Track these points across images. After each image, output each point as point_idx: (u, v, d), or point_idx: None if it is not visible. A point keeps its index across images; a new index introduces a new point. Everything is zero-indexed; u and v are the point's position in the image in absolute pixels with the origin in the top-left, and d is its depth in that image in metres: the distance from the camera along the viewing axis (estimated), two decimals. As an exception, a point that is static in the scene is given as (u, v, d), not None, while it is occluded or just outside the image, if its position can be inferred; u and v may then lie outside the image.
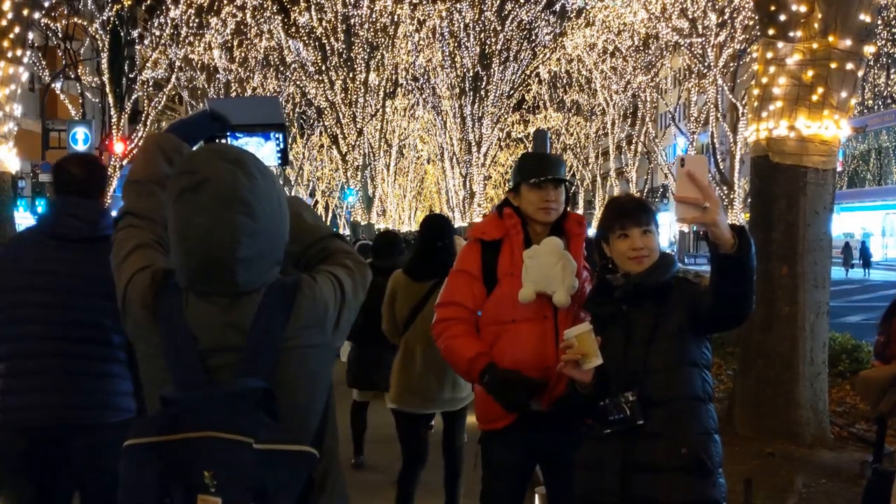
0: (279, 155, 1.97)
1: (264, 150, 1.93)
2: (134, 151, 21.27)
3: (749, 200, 10.31)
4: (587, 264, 2.87)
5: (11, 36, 7.77)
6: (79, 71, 22.58)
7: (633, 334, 2.33)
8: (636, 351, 2.31)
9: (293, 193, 39.99)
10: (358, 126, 33.42)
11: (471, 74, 35.94)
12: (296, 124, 38.82)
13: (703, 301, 2.23)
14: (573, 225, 2.90)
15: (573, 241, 2.84)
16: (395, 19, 32.97)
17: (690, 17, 21.08)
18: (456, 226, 38.05)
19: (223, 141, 1.89)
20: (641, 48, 31.24)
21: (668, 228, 44.75)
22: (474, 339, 2.78)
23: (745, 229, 2.07)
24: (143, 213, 1.67)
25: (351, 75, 32.80)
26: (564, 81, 40.86)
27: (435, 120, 40.51)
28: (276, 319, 1.50)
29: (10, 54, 7.78)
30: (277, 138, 1.96)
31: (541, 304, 2.70)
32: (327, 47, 32.50)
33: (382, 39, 32.96)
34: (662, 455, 2.22)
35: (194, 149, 1.77)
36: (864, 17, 6.03)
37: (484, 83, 36.00)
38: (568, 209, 2.95)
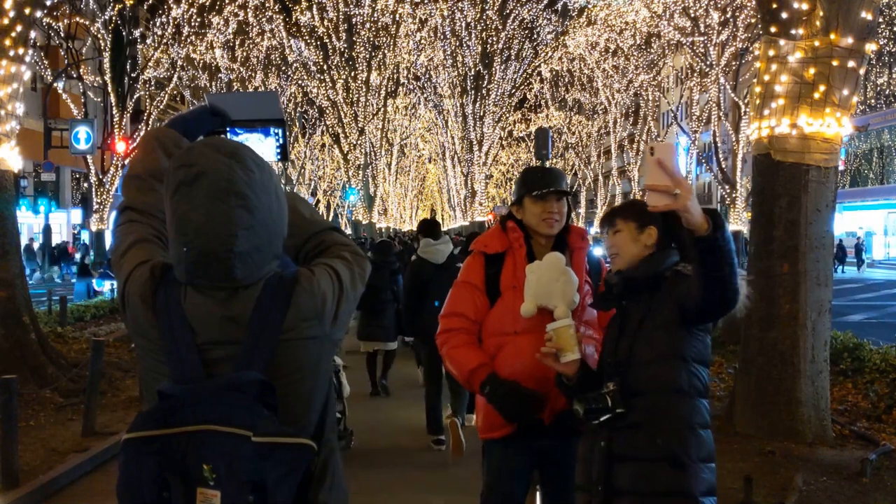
0: (279, 151, 1.97)
1: (264, 147, 1.93)
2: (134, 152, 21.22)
3: (751, 199, 10.32)
4: (588, 278, 2.92)
5: (13, 34, 7.77)
6: (81, 70, 22.58)
7: (626, 327, 2.39)
8: (625, 342, 2.36)
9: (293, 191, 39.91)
10: (359, 125, 33.42)
11: (472, 73, 35.91)
12: (297, 123, 38.81)
13: (690, 294, 2.25)
14: (576, 238, 2.94)
15: (576, 255, 2.89)
16: (397, 18, 32.96)
17: (692, 15, 21.06)
18: (457, 224, 38.03)
19: (223, 136, 1.88)
20: (643, 47, 31.23)
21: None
22: (476, 349, 2.84)
23: (717, 212, 2.10)
24: (143, 207, 1.66)
25: (352, 74, 32.79)
26: (566, 80, 40.85)
27: (436, 119, 40.51)
28: (274, 312, 1.49)
29: (11, 53, 7.79)
30: (277, 134, 1.96)
31: (542, 317, 2.72)
32: (329, 46, 32.50)
33: (384, 38, 32.95)
34: (643, 446, 2.27)
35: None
36: (866, 15, 6.02)
37: (485, 82, 35.97)
38: (570, 222, 2.99)
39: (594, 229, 50.19)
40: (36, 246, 29.54)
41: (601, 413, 2.30)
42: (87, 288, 18.84)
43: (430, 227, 6.79)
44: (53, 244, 30.77)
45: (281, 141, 1.97)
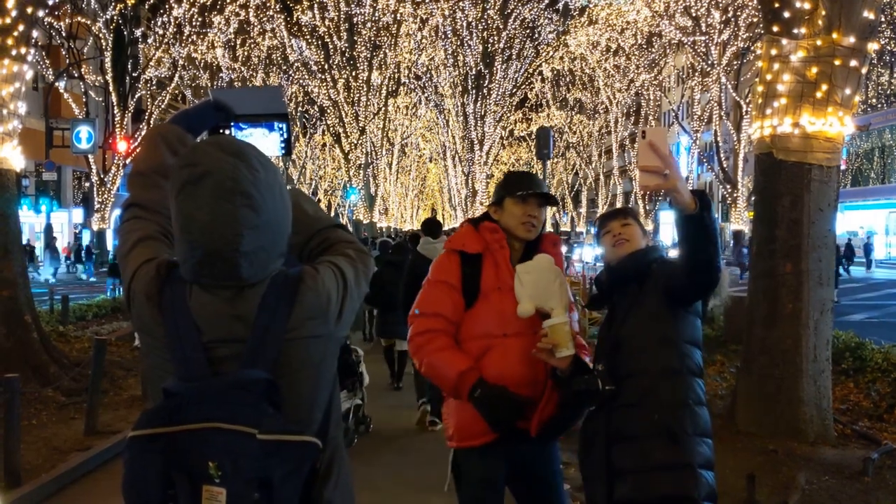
0: (283, 145, 1.97)
1: (268, 141, 1.93)
2: (137, 150, 21.28)
3: (753, 198, 10.36)
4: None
5: (15, 34, 7.78)
6: (82, 70, 22.61)
7: (615, 317, 2.51)
8: (614, 332, 2.48)
9: (296, 192, 39.91)
10: (360, 125, 33.43)
11: (473, 73, 35.93)
12: (298, 123, 38.83)
13: (676, 273, 2.36)
14: (548, 245, 2.87)
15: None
16: (398, 18, 32.97)
17: (694, 14, 21.06)
18: (457, 224, 37.96)
19: (227, 131, 1.88)
20: (644, 46, 31.25)
21: (671, 228, 44.71)
22: (461, 352, 2.70)
23: (704, 192, 2.21)
24: (149, 204, 1.66)
25: (353, 74, 32.80)
26: (567, 79, 40.89)
27: (437, 118, 40.52)
28: (279, 311, 1.49)
29: (14, 52, 7.79)
30: (281, 129, 1.96)
31: (534, 318, 2.64)
32: (330, 46, 32.52)
33: (385, 38, 32.96)
34: (638, 424, 2.35)
35: (196, 141, 1.76)
36: (868, 15, 6.02)
37: (486, 81, 35.98)
38: (544, 230, 2.93)
39: (595, 229, 50.26)
40: (39, 244, 29.53)
41: (592, 396, 2.40)
42: (116, 286, 19.22)
43: (429, 227, 7.42)
44: (66, 244, 30.75)
45: (285, 135, 1.97)
